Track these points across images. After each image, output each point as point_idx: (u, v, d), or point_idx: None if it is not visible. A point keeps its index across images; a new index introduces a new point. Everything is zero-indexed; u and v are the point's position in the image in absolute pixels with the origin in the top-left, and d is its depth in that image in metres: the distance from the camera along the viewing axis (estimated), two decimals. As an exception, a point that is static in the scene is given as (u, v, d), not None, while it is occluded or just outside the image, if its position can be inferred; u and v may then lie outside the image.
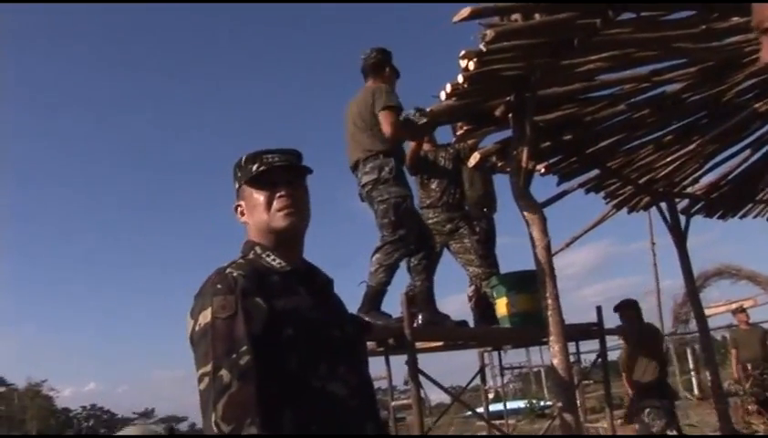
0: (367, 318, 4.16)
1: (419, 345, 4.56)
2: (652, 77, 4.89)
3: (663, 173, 6.50)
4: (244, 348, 1.48)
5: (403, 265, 4.73)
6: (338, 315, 1.77)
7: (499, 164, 5.47)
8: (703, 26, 4.21)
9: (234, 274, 1.59)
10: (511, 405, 15.74)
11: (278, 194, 1.71)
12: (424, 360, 4.43)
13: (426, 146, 5.63)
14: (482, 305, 5.47)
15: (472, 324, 5.52)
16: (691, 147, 6.16)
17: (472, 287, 5.61)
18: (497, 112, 4.64)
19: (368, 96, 4.60)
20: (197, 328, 1.54)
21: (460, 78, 4.07)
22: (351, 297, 4.66)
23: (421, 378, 4.35)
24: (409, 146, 5.36)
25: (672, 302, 18.06)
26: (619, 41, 4.19)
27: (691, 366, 19.84)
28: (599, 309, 5.56)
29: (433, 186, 5.55)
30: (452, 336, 4.97)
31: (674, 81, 5.07)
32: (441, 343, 4.97)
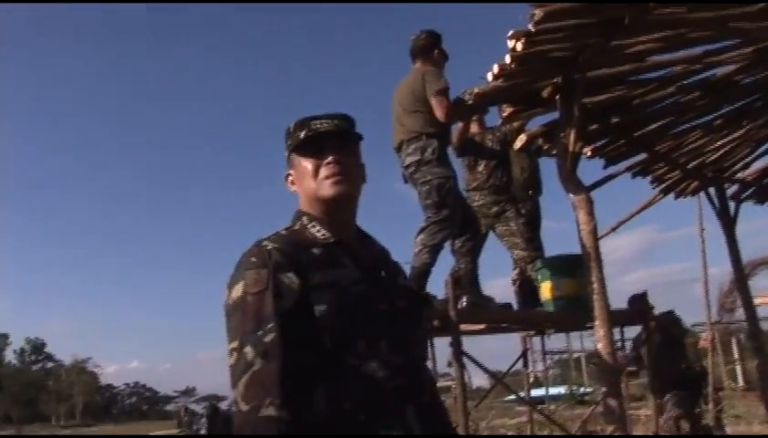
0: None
1: (463, 327, 4.56)
2: (704, 58, 4.78)
3: (713, 158, 6.35)
4: (270, 325, 1.45)
5: (447, 246, 4.72)
6: (389, 288, 1.67)
7: (545, 147, 5.42)
8: (762, 4, 4.10)
9: (269, 247, 1.56)
10: (551, 391, 15.64)
11: (326, 162, 1.64)
12: (465, 343, 4.43)
13: (474, 128, 5.59)
14: (527, 288, 5.43)
15: (515, 307, 5.51)
16: (743, 131, 6.01)
17: (517, 270, 5.57)
18: (544, 94, 4.58)
19: (416, 78, 4.58)
20: (230, 302, 1.52)
21: (507, 59, 4.03)
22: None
23: (464, 361, 4.35)
24: (456, 128, 5.33)
25: (718, 291, 17.70)
26: (673, 21, 4.10)
27: (736, 356, 19.52)
28: (644, 295, 5.48)
29: (480, 169, 5.51)
30: (497, 318, 4.96)
31: (727, 63, 4.95)
32: (484, 326, 4.95)
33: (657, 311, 6.40)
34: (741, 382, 18.02)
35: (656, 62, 4.75)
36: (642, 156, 5.95)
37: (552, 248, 5.66)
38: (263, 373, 1.40)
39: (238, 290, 1.51)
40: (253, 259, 1.54)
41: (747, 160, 6.66)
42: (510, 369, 7.20)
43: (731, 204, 6.99)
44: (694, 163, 6.38)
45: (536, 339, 7.45)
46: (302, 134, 1.68)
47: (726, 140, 6.13)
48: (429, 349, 1.93)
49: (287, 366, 1.42)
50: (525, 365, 7.18)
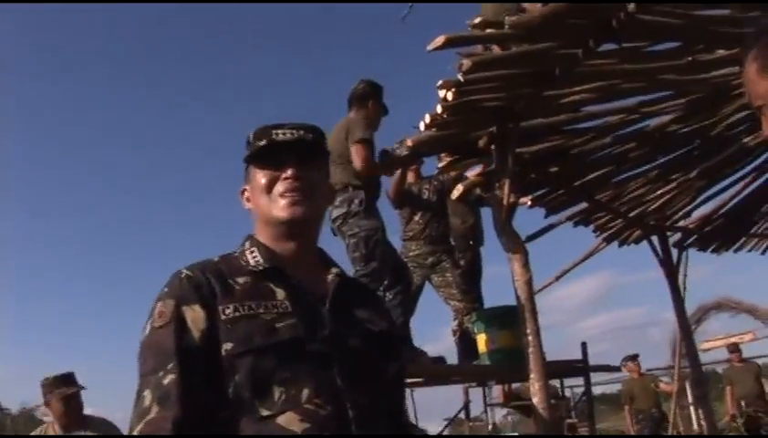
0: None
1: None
2: (640, 108, 4.80)
3: (654, 206, 6.38)
4: (171, 364, 1.26)
5: None
6: (341, 323, 1.39)
7: (485, 196, 5.37)
8: (689, 58, 4.14)
9: (183, 274, 1.37)
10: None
11: (283, 176, 1.43)
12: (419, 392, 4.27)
13: (410, 178, 5.52)
14: (466, 340, 5.33)
15: (457, 358, 5.41)
16: (683, 180, 6.05)
17: (456, 322, 5.49)
18: (481, 143, 4.53)
19: (344, 127, 4.50)
20: (141, 340, 1.34)
21: (438, 109, 3.98)
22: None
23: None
24: (391, 179, 5.25)
25: (671, 335, 17.82)
26: (604, 72, 4.10)
27: (690, 400, 19.58)
28: (584, 345, 5.41)
29: (416, 218, 5.44)
30: (428, 373, 4.83)
31: (663, 113, 4.98)
32: (419, 379, 4.82)
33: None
34: (695, 426, 18.05)
35: (591, 112, 4.75)
36: (583, 205, 5.94)
37: (505, 294, 5.54)
38: (158, 423, 1.21)
39: (148, 326, 1.34)
40: (165, 289, 1.37)
41: (688, 208, 6.71)
42: (452, 419, 7.10)
43: (675, 252, 7.04)
44: (636, 212, 6.39)
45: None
46: (260, 143, 1.48)
47: (666, 188, 6.16)
48: (401, 397, 1.59)
49: (188, 415, 1.23)
50: (467, 416, 7.07)
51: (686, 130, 5.25)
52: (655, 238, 6.85)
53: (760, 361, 12.84)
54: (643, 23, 3.54)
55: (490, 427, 9.52)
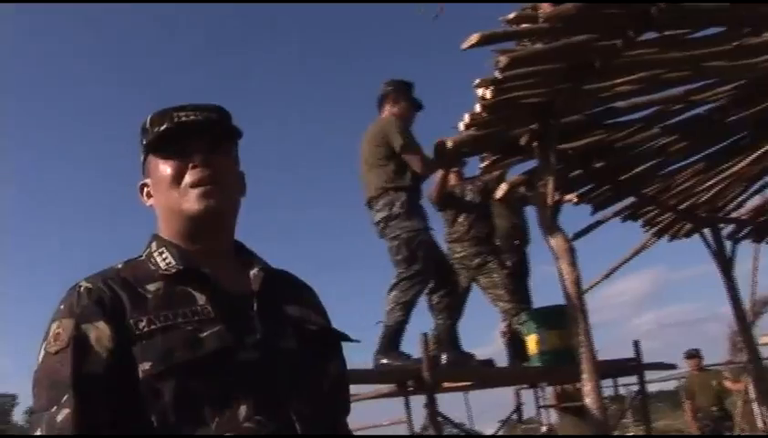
0: (384, 360, 4.00)
1: (446, 385, 4.40)
2: (686, 97, 4.67)
3: (705, 198, 6.19)
4: (66, 397, 1.06)
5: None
6: (271, 325, 1.21)
7: (529, 195, 5.29)
8: (735, 43, 4.00)
9: (82, 287, 1.17)
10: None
11: (192, 165, 1.24)
12: (457, 397, 4.23)
13: (452, 180, 5.47)
14: (516, 341, 5.25)
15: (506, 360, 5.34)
16: (734, 169, 5.87)
17: (505, 323, 5.41)
18: (522, 141, 4.46)
19: (377, 130, 4.48)
20: (35, 368, 1.14)
21: (477, 108, 3.93)
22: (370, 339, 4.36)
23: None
24: (434, 181, 5.20)
25: (729, 330, 17.35)
26: (646, 62, 3.99)
27: (753, 396, 19.03)
28: (636, 343, 5.26)
29: (460, 220, 5.37)
30: (476, 376, 4.76)
31: (710, 101, 4.83)
32: (468, 383, 4.77)
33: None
34: (760, 424, 17.52)
35: (635, 103, 4.63)
36: (631, 200, 5.81)
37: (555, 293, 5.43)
38: None
39: (42, 351, 1.14)
40: (62, 307, 1.16)
41: (740, 198, 6.51)
42: (505, 421, 6.99)
43: (728, 244, 6.83)
44: (685, 204, 6.22)
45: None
46: (161, 128, 1.27)
47: (717, 179, 5.98)
48: (346, 400, 1.40)
49: None
50: (519, 418, 6.98)
51: (735, 117, 5.09)
52: (707, 231, 6.65)
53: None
54: (684, 9, 3.44)
55: (545, 428, 9.36)
